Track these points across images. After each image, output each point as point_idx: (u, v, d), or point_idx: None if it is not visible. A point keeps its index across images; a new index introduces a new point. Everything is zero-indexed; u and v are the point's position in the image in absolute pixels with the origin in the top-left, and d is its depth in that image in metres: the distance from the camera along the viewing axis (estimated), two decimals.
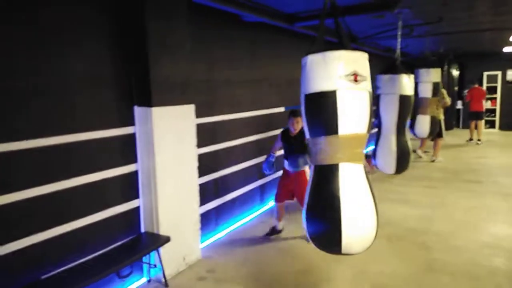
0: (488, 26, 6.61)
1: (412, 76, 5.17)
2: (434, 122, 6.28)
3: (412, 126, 6.18)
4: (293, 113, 4.11)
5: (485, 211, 5.24)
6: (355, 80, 2.24)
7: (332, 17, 2.77)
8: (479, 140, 10.42)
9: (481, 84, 12.92)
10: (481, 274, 3.55)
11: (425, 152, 8.75)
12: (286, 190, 4.29)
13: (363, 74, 2.33)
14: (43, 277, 2.77)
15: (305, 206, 2.26)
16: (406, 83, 4.97)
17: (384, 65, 5.11)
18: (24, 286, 2.64)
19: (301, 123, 3.99)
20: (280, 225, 4.50)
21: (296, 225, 4.43)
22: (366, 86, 2.30)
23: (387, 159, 4.75)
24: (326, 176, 2.14)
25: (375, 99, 5.04)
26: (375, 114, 4.76)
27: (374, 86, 3.36)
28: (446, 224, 4.78)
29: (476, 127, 10.47)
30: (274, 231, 4.49)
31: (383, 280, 3.46)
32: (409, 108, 5.09)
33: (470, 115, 10.78)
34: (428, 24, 5.62)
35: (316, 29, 5.99)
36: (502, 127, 12.88)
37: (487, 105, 12.97)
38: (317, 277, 3.58)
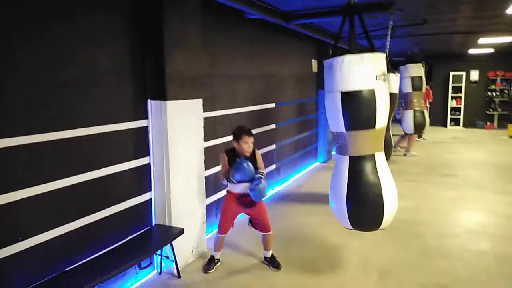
0: (463, 29, 7.05)
1: (398, 75, 5.48)
2: (417, 116, 6.61)
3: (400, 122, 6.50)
4: (248, 132, 3.43)
5: (464, 202, 5.62)
6: (384, 80, 2.45)
7: (349, 16, 2.94)
8: (419, 137, 10.56)
9: (447, 83, 13.66)
10: (471, 257, 3.86)
11: (401, 147, 9.15)
12: (233, 217, 3.70)
13: (386, 73, 2.54)
14: (67, 269, 2.77)
15: (340, 195, 2.42)
16: (393, 81, 5.26)
17: None
18: (52, 278, 2.64)
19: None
20: (219, 255, 3.76)
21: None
22: (387, 84, 2.53)
23: None
24: (364, 165, 2.31)
25: None
26: None
27: None
28: (432, 214, 5.10)
29: None
30: (213, 261, 3.71)
31: (388, 267, 3.67)
32: (394, 105, 5.40)
33: None
34: (413, 26, 5.93)
35: (309, 28, 6.20)
36: (466, 125, 13.67)
37: (452, 103, 13.76)
38: (325, 265, 3.75)
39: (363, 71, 2.29)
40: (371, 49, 2.50)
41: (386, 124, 2.46)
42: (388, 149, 5.33)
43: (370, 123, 2.29)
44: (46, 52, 2.62)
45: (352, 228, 2.56)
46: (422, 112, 7.47)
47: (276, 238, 3.93)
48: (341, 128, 2.41)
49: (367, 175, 2.31)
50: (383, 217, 2.32)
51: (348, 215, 2.42)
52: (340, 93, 2.39)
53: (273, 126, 6.10)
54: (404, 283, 3.40)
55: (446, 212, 5.18)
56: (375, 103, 2.27)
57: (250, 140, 3.42)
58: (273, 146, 6.17)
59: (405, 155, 8.80)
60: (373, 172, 2.30)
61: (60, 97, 2.73)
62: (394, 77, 5.34)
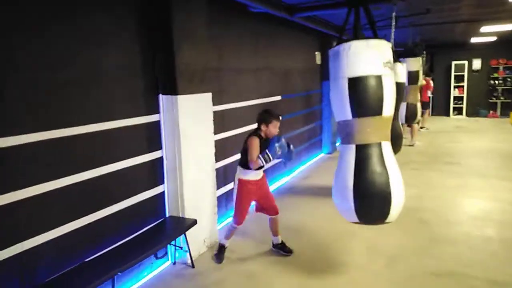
0: (466, 18, 7.07)
1: (404, 65, 5.53)
2: (411, 108, 6.72)
3: None
4: (278, 117, 3.51)
5: (468, 189, 5.70)
6: (391, 68, 2.51)
7: (354, 7, 3.00)
8: (422, 127, 10.67)
9: (449, 72, 13.66)
10: (477, 243, 3.94)
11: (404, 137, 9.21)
12: (249, 206, 3.71)
13: (392, 62, 2.60)
14: (88, 259, 2.87)
15: (345, 185, 2.46)
16: (400, 71, 5.32)
17: None
18: (73, 268, 2.74)
19: None
20: (228, 242, 3.81)
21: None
22: (393, 73, 2.58)
23: None
24: (371, 154, 2.35)
25: None
26: None
27: None
28: (437, 201, 5.18)
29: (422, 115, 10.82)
30: (223, 249, 3.78)
31: (395, 251, 3.78)
32: (402, 94, 5.47)
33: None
34: (417, 16, 5.96)
35: (313, 21, 6.25)
36: (468, 114, 13.69)
37: (455, 92, 13.76)
38: (335, 252, 3.85)
39: (370, 57, 2.32)
40: (376, 37, 2.56)
41: (392, 113, 2.51)
42: (398, 140, 5.39)
43: (377, 110, 2.30)
44: (55, 51, 2.70)
45: (358, 221, 2.55)
46: (415, 105, 7.57)
47: (285, 228, 4.02)
48: (348, 115, 2.39)
49: (374, 165, 2.32)
50: (390, 209, 2.32)
51: (354, 208, 2.42)
52: (347, 79, 2.38)
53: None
54: (412, 267, 3.49)
55: (451, 200, 5.27)
56: (382, 89, 2.29)
57: (278, 124, 3.50)
58: None
59: (412, 145, 8.85)
60: (379, 161, 2.31)
61: (75, 94, 2.81)
62: (401, 67, 5.40)
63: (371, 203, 2.38)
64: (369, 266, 3.56)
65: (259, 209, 3.78)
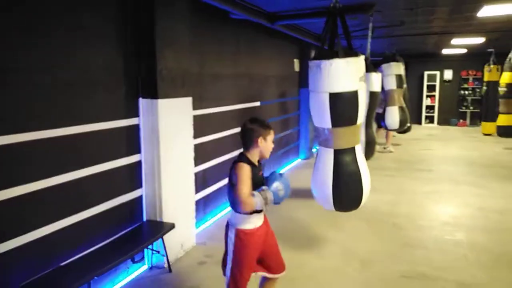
0: (438, 30, 7.36)
1: (380, 74, 5.71)
2: (403, 112, 6.90)
3: (383, 119, 6.76)
4: (270, 127, 2.42)
5: (439, 195, 5.91)
6: (364, 81, 2.67)
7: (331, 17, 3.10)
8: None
9: (421, 82, 14.13)
10: (447, 247, 4.10)
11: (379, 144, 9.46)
12: (251, 271, 2.48)
13: (365, 74, 2.77)
14: (63, 263, 2.83)
15: (324, 184, 2.65)
16: (375, 80, 5.50)
17: None
18: (49, 272, 2.70)
19: None
20: None
21: None
22: (365, 85, 2.79)
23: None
24: (346, 157, 2.62)
25: None
26: None
27: None
28: (410, 207, 5.35)
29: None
30: None
31: (369, 255, 3.88)
32: (376, 102, 5.66)
33: None
34: (392, 27, 6.17)
35: (292, 29, 6.36)
36: (440, 122, 14.17)
37: (427, 102, 14.23)
38: (309, 255, 3.92)
39: (348, 74, 2.54)
40: (351, 49, 2.72)
41: (363, 120, 2.79)
42: (372, 145, 5.57)
43: (352, 120, 2.62)
44: (39, 52, 2.67)
45: (334, 209, 3.08)
46: (403, 108, 7.78)
47: None
48: (327, 124, 2.70)
49: (350, 165, 2.74)
50: (362, 199, 2.91)
51: (333, 200, 2.92)
52: (328, 93, 2.61)
53: None
54: (384, 271, 3.60)
55: (423, 205, 5.45)
56: (358, 102, 2.59)
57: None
58: None
59: (384, 148, 9.08)
60: (353, 162, 2.70)
61: (54, 96, 2.78)
62: (376, 76, 5.57)
63: (347, 197, 2.74)
64: (343, 269, 3.65)
65: (257, 267, 2.52)
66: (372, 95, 5.41)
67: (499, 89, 9.97)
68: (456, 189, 6.20)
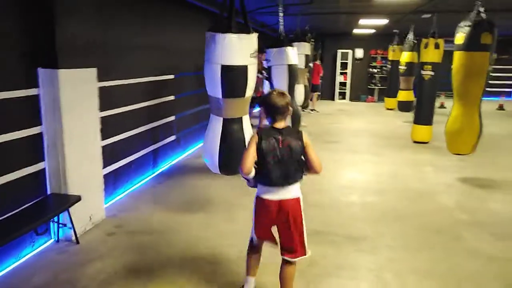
0: (345, 10, 7.88)
1: (295, 48, 6.03)
2: (307, 90, 7.36)
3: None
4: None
5: (342, 163, 6.51)
6: (255, 57, 2.88)
7: None
8: (312, 109, 11.83)
9: (335, 60, 14.96)
10: (341, 207, 4.62)
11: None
12: (265, 227, 2.73)
13: (257, 51, 3.00)
14: None
15: (213, 150, 2.89)
16: (292, 54, 5.81)
17: (264, 39, 5.80)
18: None
19: None
20: (253, 283, 2.85)
21: None
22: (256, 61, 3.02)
23: None
24: (235, 125, 2.84)
25: (268, 70, 5.82)
26: (269, 83, 5.57)
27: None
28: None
29: (311, 99, 11.82)
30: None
31: None
32: (296, 74, 5.98)
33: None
34: (300, 5, 6.49)
35: (204, 0, 6.38)
36: (352, 98, 15.21)
37: (341, 78, 15.14)
38: (222, 220, 4.16)
39: (240, 49, 2.74)
40: (246, 26, 2.91)
41: (251, 94, 3.02)
42: (296, 117, 5.90)
43: (241, 93, 2.83)
44: None
45: (221, 174, 3.37)
46: (306, 87, 8.32)
47: (178, 203, 4.19)
48: (219, 94, 2.92)
49: (237, 133, 2.92)
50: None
51: (219, 164, 3.18)
52: (220, 65, 2.78)
53: (172, 97, 6.25)
54: None
55: (326, 172, 5.94)
56: (247, 77, 2.80)
57: None
58: (173, 117, 6.34)
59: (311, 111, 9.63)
60: (240, 131, 2.91)
61: None
62: (292, 51, 5.87)
63: (232, 162, 2.94)
64: (248, 229, 3.94)
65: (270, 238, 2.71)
66: (290, 68, 5.70)
67: (400, 67, 10.99)
68: (357, 158, 6.87)
